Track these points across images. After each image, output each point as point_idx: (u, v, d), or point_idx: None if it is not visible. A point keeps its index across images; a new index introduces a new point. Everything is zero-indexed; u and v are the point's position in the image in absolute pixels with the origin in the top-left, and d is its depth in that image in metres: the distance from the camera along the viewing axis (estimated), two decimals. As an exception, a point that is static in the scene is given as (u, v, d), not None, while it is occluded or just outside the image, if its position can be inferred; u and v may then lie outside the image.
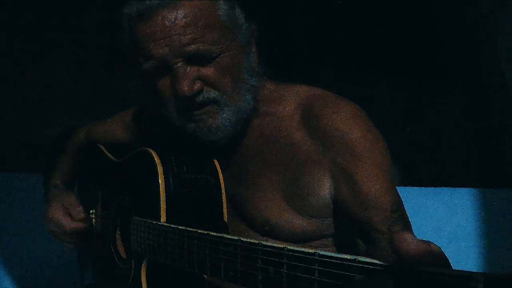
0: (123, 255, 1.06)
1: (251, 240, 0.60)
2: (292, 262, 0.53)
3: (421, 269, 0.40)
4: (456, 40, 2.36)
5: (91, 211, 1.20)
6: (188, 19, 0.83)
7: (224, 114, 0.88)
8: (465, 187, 1.90)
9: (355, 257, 0.47)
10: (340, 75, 2.25)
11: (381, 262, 0.44)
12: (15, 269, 1.80)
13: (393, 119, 2.41)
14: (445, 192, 1.88)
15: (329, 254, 0.50)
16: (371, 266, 0.45)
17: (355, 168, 0.84)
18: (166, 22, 0.83)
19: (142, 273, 0.92)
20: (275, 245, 0.56)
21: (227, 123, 0.89)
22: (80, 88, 2.30)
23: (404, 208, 0.87)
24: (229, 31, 0.87)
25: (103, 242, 1.14)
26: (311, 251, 0.51)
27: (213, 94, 0.87)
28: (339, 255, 0.48)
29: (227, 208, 0.95)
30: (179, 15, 0.83)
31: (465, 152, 2.36)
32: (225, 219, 0.93)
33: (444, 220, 1.82)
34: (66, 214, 1.07)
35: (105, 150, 1.19)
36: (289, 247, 0.54)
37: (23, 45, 2.25)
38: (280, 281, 0.55)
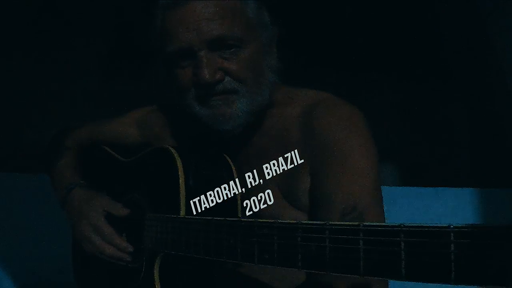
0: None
1: (289, 221, 0.62)
2: (336, 236, 0.54)
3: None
4: (456, 40, 2.36)
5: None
6: (218, 9, 0.88)
7: (240, 104, 0.91)
8: (465, 187, 1.90)
9: (400, 223, 0.49)
10: (340, 75, 2.25)
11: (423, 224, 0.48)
12: (15, 269, 1.80)
13: (393, 119, 2.41)
14: (445, 192, 1.88)
15: (374, 223, 0.51)
16: (416, 229, 0.48)
17: (329, 166, 0.85)
18: (196, 9, 0.88)
19: (155, 269, 0.92)
20: (315, 222, 0.58)
21: (240, 114, 0.91)
22: (80, 88, 2.30)
23: (375, 218, 0.82)
24: (254, 28, 0.92)
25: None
26: (354, 223, 0.53)
27: (233, 84, 0.90)
28: (384, 223, 0.50)
29: None
30: (209, 5, 0.88)
31: (465, 152, 2.36)
32: (239, 216, 0.94)
33: (444, 220, 1.82)
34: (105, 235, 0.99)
35: (110, 151, 1.19)
36: (331, 222, 0.56)
37: (23, 45, 2.25)
38: (323, 256, 0.56)
